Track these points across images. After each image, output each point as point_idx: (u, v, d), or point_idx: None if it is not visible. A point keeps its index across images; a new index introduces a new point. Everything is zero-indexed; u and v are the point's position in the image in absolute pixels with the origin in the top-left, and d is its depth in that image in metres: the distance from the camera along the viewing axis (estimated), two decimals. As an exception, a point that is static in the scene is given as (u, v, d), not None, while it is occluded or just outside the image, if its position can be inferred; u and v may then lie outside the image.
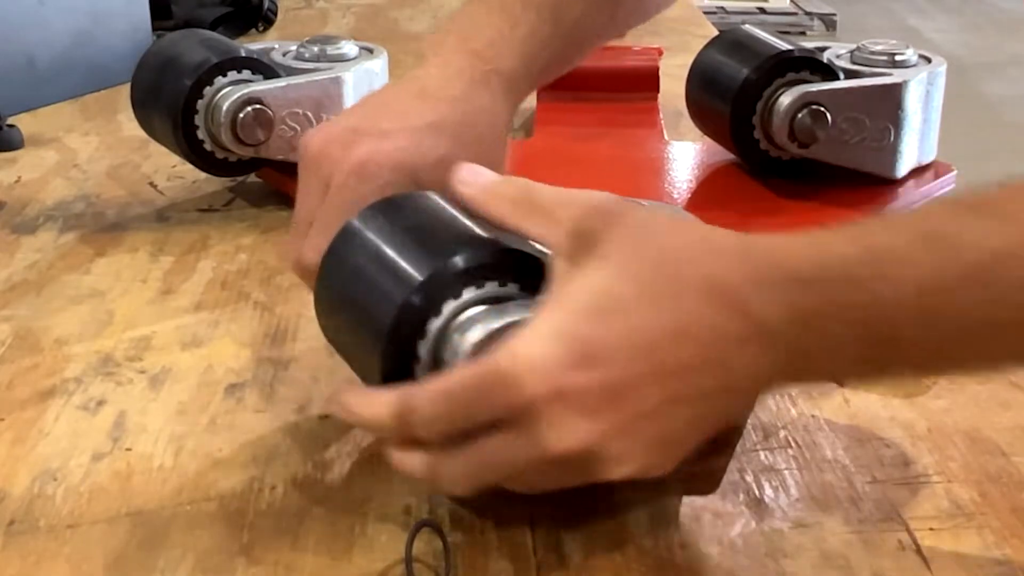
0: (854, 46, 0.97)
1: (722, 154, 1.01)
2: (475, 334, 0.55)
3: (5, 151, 1.14)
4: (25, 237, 0.95)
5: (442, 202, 0.62)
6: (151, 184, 1.05)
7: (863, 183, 0.94)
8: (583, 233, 0.53)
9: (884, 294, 0.50)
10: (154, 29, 1.38)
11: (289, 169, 0.99)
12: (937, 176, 0.98)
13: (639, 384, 0.50)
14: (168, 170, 1.07)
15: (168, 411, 0.70)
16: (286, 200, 0.99)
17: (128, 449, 0.67)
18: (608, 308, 0.50)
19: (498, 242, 0.58)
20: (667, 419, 0.51)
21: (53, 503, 0.62)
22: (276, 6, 1.58)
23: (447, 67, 0.72)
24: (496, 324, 0.55)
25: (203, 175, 1.01)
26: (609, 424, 0.50)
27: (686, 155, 1.06)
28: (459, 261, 0.56)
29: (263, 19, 1.55)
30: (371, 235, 0.60)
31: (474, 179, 0.59)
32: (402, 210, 0.62)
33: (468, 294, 0.57)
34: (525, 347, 0.50)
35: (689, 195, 0.97)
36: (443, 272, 0.56)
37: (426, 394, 0.52)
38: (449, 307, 0.56)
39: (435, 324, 0.56)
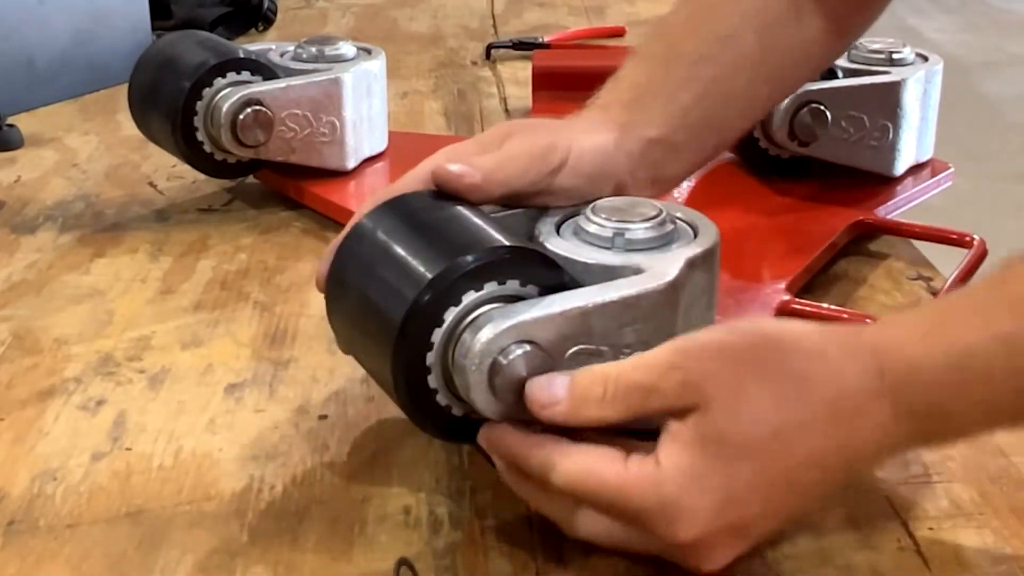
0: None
1: (721, 153, 1.01)
2: (485, 333, 0.55)
3: (5, 151, 1.13)
4: (25, 237, 0.95)
5: (440, 201, 0.61)
6: (150, 184, 1.05)
7: (861, 181, 0.94)
8: (689, 392, 0.53)
9: None
10: (154, 29, 1.37)
11: (288, 171, 0.99)
12: (934, 174, 0.98)
13: (772, 516, 0.55)
14: (167, 170, 1.07)
15: (168, 411, 0.70)
16: (285, 200, 0.99)
17: (128, 449, 0.67)
18: (739, 454, 0.53)
19: (489, 242, 0.57)
20: (790, 512, 0.56)
21: (53, 503, 0.62)
22: (276, 6, 1.58)
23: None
24: (506, 324, 0.55)
25: (203, 175, 1.01)
26: (744, 544, 0.55)
27: (685, 154, 1.06)
28: (454, 270, 0.56)
29: (263, 19, 1.55)
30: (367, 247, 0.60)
31: (550, 398, 0.55)
32: (394, 216, 0.61)
33: (467, 299, 0.56)
34: (676, 495, 0.53)
35: (688, 194, 0.97)
36: (440, 284, 0.56)
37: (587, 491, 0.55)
38: (451, 314, 0.56)
39: (438, 334, 0.56)
